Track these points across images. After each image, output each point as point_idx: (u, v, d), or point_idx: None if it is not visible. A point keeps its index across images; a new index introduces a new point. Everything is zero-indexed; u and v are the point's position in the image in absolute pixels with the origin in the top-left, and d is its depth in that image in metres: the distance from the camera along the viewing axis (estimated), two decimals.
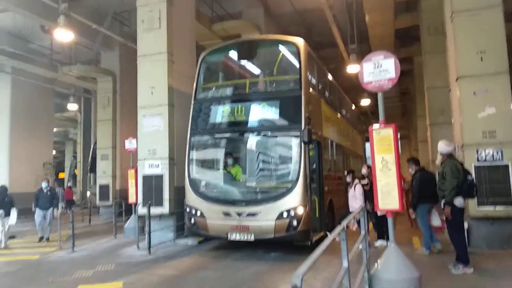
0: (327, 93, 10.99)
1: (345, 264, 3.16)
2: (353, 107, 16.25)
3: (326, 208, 9.02)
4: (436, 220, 6.99)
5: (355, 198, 8.43)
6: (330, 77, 11.66)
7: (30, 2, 12.69)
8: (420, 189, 7.34)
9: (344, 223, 3.33)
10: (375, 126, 4.86)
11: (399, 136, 38.57)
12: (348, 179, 8.95)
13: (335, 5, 14.67)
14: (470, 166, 7.48)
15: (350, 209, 8.53)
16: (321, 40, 18.39)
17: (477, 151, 7.48)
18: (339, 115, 12.37)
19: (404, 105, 30.65)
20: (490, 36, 7.55)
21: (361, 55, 16.23)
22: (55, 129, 26.28)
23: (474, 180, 6.25)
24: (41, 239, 10.95)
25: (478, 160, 7.46)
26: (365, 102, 20.98)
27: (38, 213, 10.89)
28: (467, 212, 7.61)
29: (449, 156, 6.17)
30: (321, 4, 13.08)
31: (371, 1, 13.02)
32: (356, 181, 8.65)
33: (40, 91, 19.53)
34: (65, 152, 35.98)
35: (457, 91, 7.87)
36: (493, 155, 7.37)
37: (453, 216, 5.91)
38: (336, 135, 11.37)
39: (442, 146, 6.27)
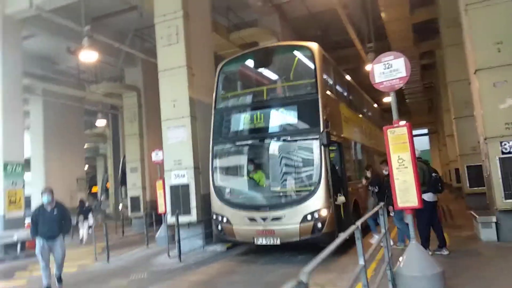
0: (345, 94, 11.04)
1: (361, 262, 3.27)
2: (375, 105, 16.14)
3: (351, 208, 9.04)
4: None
5: None
6: (348, 78, 11.69)
7: (55, 27, 13.35)
8: None
9: (358, 223, 3.44)
10: (400, 123, 4.98)
11: (427, 131, 37.86)
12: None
13: (349, 4, 14.72)
14: (494, 158, 7.39)
15: None
16: (339, 40, 18.39)
17: (501, 143, 7.37)
18: (359, 115, 12.36)
19: (430, 99, 30.07)
20: (506, 26, 7.44)
21: (380, 53, 16.27)
22: (86, 145, 27.32)
23: (440, 176, 7.33)
24: None
25: (502, 152, 7.35)
26: (388, 99, 20.73)
27: (42, 246, 6.94)
28: (494, 206, 7.53)
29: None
30: (335, 5, 13.16)
31: None
32: None
33: (70, 110, 20.40)
34: (96, 166, 37.15)
35: (476, 84, 7.79)
36: None
37: (424, 208, 6.46)
38: (357, 135, 11.38)
39: None
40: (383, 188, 8.00)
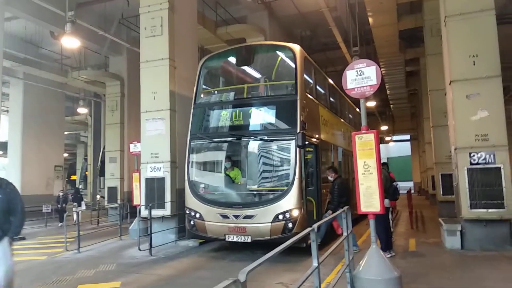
0: (326, 97, 11.13)
1: (314, 263, 3.33)
2: (357, 109, 16.29)
3: (324, 210, 9.14)
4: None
5: None
6: (330, 81, 11.78)
7: (39, 10, 13.07)
8: (341, 195, 8.01)
9: (315, 225, 3.50)
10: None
11: (409, 137, 38.45)
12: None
13: (338, 7, 14.81)
14: (463, 169, 7.57)
15: None
16: (327, 41, 18.46)
17: (469, 154, 7.56)
18: (340, 118, 12.48)
19: (414, 106, 30.58)
20: (482, 40, 7.62)
21: (367, 57, 16.43)
22: (66, 132, 26.88)
23: (398, 186, 8.22)
24: None
25: (470, 163, 7.54)
26: (371, 103, 21.01)
27: None
28: (460, 214, 7.73)
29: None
30: (322, 7, 13.24)
31: (373, 3, 13.13)
32: None
33: (51, 95, 20.03)
34: (76, 154, 36.65)
35: (451, 95, 7.97)
36: (485, 158, 7.44)
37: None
38: (336, 138, 11.50)
39: None
40: None
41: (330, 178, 8.53)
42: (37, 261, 8.73)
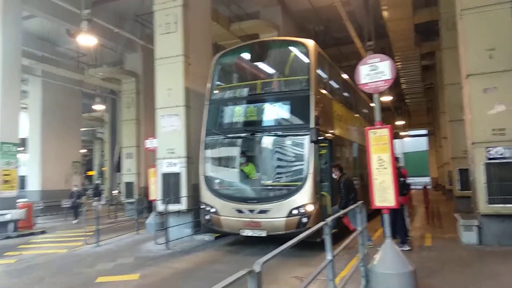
0: (340, 92, 11.09)
1: (328, 256, 3.38)
2: (372, 104, 16.17)
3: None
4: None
5: None
6: (344, 75, 11.73)
7: (55, 8, 13.31)
8: (348, 192, 8.10)
9: (328, 220, 3.55)
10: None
11: (426, 132, 37.88)
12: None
13: (352, 1, 14.69)
14: (480, 163, 7.49)
15: None
16: (340, 36, 18.34)
17: (486, 149, 7.47)
18: (354, 113, 12.43)
19: (430, 100, 30.12)
20: (499, 33, 7.50)
21: (381, 51, 16.27)
22: (83, 128, 27.32)
23: (406, 181, 8.30)
24: None
25: (487, 158, 7.45)
26: (386, 98, 20.82)
27: None
28: (477, 210, 7.65)
29: None
30: (336, 1, 13.15)
31: None
32: None
33: (68, 92, 20.43)
34: (93, 150, 37.24)
35: (467, 89, 7.87)
36: (503, 153, 7.34)
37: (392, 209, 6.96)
38: (351, 133, 11.47)
39: None
40: None
41: (335, 176, 8.55)
42: (58, 254, 8.98)
